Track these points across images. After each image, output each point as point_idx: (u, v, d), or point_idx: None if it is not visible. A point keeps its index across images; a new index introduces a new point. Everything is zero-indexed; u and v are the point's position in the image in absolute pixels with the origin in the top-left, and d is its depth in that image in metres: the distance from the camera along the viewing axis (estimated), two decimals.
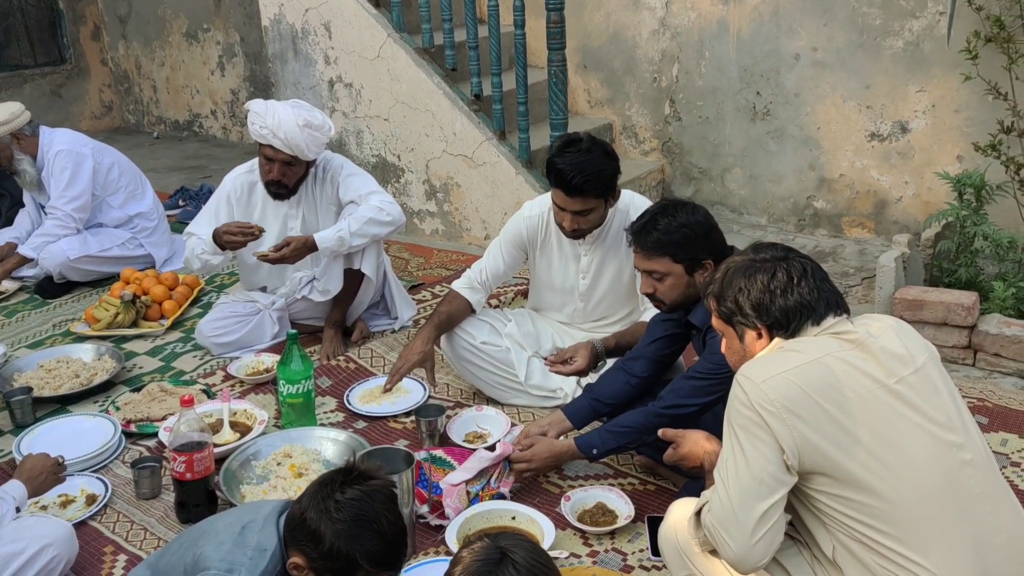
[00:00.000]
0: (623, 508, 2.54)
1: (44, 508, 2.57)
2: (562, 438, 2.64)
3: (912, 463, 1.66)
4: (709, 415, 2.34)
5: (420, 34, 4.63)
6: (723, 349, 1.91)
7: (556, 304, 3.20)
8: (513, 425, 2.95)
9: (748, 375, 1.71)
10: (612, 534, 2.48)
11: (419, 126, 4.62)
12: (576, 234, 2.90)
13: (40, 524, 2.31)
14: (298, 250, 3.27)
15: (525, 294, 3.49)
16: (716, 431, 2.02)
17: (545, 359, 3.11)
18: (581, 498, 2.59)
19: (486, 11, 4.44)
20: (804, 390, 1.66)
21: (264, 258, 3.27)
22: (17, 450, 2.78)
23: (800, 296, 1.79)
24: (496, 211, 4.47)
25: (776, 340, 1.79)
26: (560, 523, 2.49)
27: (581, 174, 2.73)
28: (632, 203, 2.97)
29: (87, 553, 2.42)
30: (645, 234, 2.41)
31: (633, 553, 2.41)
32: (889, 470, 1.65)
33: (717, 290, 1.86)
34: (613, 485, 2.66)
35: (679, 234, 2.38)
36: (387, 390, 3.06)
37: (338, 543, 1.63)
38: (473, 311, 3.11)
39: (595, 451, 2.50)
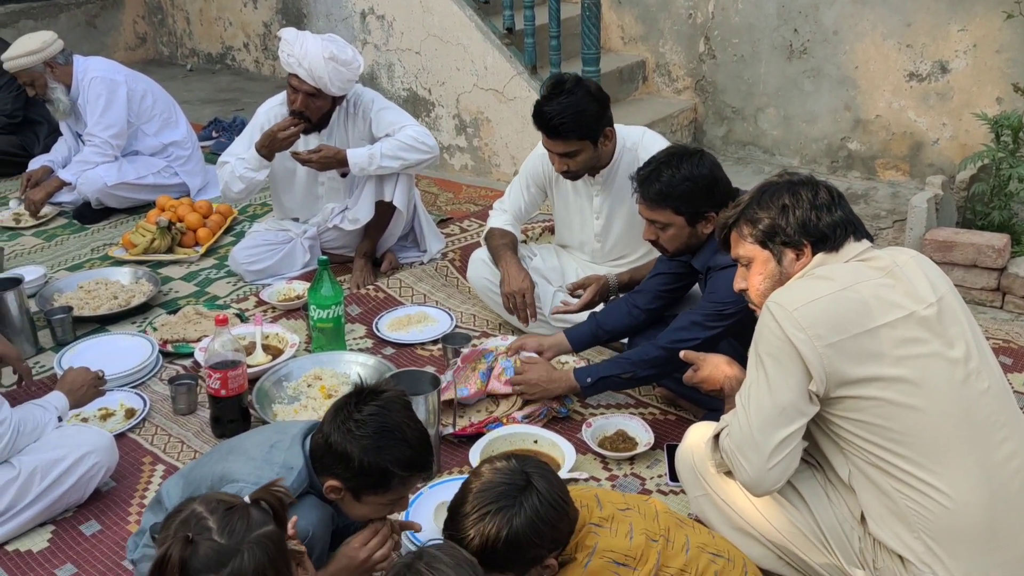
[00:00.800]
0: (643, 435, 2.60)
1: (85, 420, 2.68)
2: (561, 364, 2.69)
3: (932, 390, 1.69)
4: (725, 344, 2.37)
5: None
6: (743, 283, 1.91)
7: (575, 243, 3.24)
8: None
9: (779, 302, 1.73)
10: (631, 460, 2.55)
11: (450, 60, 4.60)
12: (569, 175, 2.92)
13: (82, 433, 2.42)
14: (328, 158, 3.30)
15: (552, 230, 3.51)
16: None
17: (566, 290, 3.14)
18: (602, 425, 2.65)
19: None
20: (835, 317, 1.69)
21: (297, 155, 3.30)
22: (58, 365, 2.89)
23: (844, 212, 1.81)
24: (526, 147, 4.46)
25: (817, 257, 1.79)
26: (581, 448, 2.56)
27: (559, 116, 2.74)
28: (642, 143, 2.96)
29: (126, 462, 2.52)
30: (648, 185, 2.42)
31: (651, 479, 2.48)
32: (910, 397, 1.68)
33: (752, 213, 1.86)
34: (634, 414, 2.72)
35: (682, 187, 2.38)
36: (533, 319, 3.01)
37: (367, 458, 1.70)
38: None
39: (588, 379, 2.54)
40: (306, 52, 3.18)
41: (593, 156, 2.89)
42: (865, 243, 1.84)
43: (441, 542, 1.54)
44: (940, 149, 4.30)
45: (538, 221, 3.93)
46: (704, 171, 2.39)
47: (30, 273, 3.44)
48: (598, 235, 3.15)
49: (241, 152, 3.36)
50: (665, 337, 2.44)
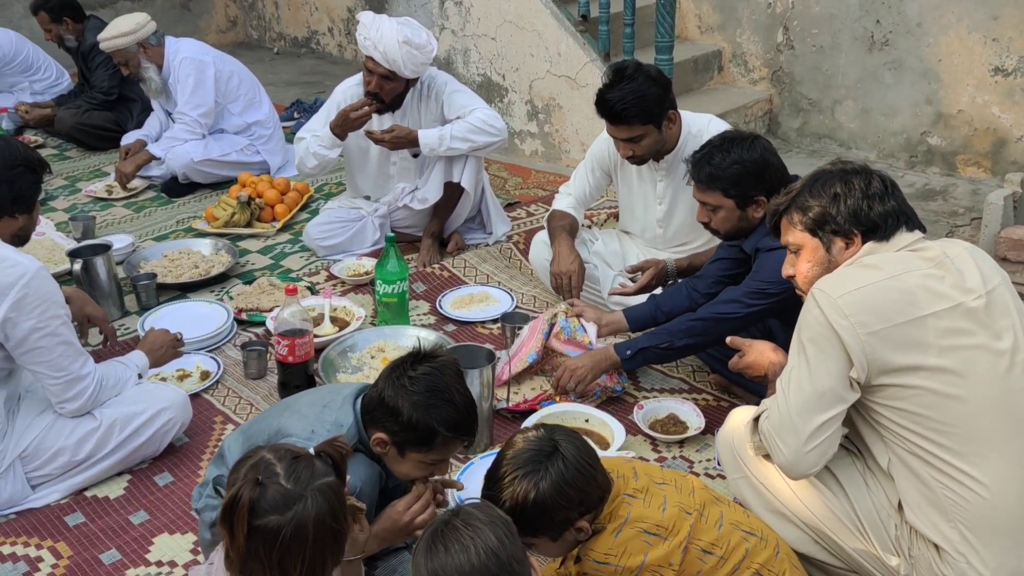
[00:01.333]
0: (694, 420, 2.63)
1: (164, 379, 2.84)
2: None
3: (975, 381, 1.68)
4: (779, 330, 2.39)
5: None
6: (791, 270, 1.93)
7: (637, 228, 3.27)
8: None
9: (824, 290, 1.75)
10: (681, 443, 2.58)
11: (525, 46, 4.66)
12: (634, 160, 2.95)
13: (160, 390, 2.58)
14: (400, 138, 3.40)
15: (617, 216, 3.54)
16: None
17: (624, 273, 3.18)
18: (654, 408, 2.68)
19: None
20: (880, 306, 1.69)
21: (371, 134, 3.42)
22: (141, 328, 3.07)
23: (896, 203, 1.82)
24: (596, 133, 4.41)
25: (867, 246, 1.80)
26: (632, 429, 2.60)
27: (621, 101, 2.77)
28: (707, 130, 2.96)
29: (199, 420, 2.67)
30: (699, 168, 2.46)
31: (699, 462, 2.51)
32: (953, 387, 1.68)
33: (803, 200, 1.87)
34: (687, 399, 2.75)
35: (731, 170, 2.41)
36: (573, 303, 2.97)
37: (415, 414, 1.79)
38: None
39: (628, 351, 2.59)
40: (382, 36, 3.28)
41: (658, 140, 2.91)
42: (917, 234, 1.84)
43: (477, 501, 1.62)
44: None
45: (604, 208, 3.97)
46: (755, 155, 2.41)
47: (119, 241, 3.65)
48: (660, 220, 3.18)
49: (317, 129, 3.49)
50: (705, 309, 2.49)
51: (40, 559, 2.18)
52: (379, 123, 3.54)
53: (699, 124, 3.02)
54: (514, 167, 4.73)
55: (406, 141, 3.43)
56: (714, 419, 2.63)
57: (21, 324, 2.19)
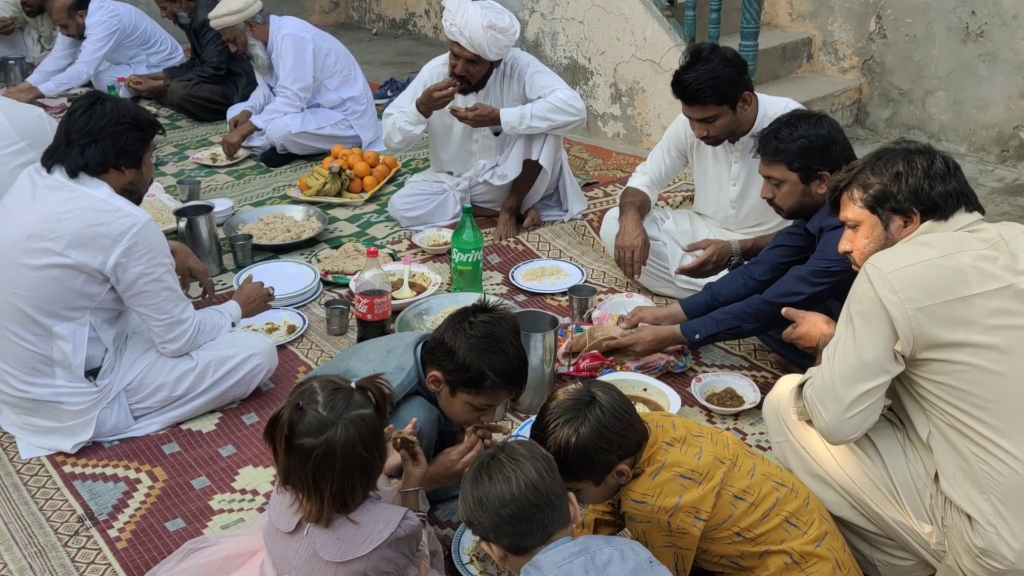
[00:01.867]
0: (750, 395, 2.70)
1: (255, 331, 3.08)
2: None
3: (1020, 359, 1.72)
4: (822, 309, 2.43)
5: None
6: (848, 245, 1.99)
7: (710, 210, 3.33)
8: None
9: (877, 264, 1.80)
10: (736, 416, 2.66)
11: (611, 29, 4.74)
12: (709, 141, 3.01)
13: (250, 337, 2.80)
14: (483, 116, 3.55)
15: (693, 199, 3.61)
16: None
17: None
18: (712, 381, 2.76)
19: None
20: (930, 282, 1.74)
21: (455, 111, 3.58)
22: (236, 283, 3.31)
23: (958, 184, 1.86)
24: None
25: (925, 225, 1.84)
26: (688, 400, 2.69)
27: (695, 83, 2.83)
28: (785, 112, 3.00)
29: (284, 369, 2.89)
30: (766, 142, 2.53)
31: (753, 435, 2.58)
32: (998, 364, 1.72)
33: (865, 178, 1.91)
34: (746, 375, 2.81)
35: (797, 144, 2.47)
36: (637, 276, 3.18)
37: (469, 356, 1.94)
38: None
39: (697, 335, 2.67)
40: (467, 21, 3.42)
41: (732, 121, 2.97)
42: (976, 215, 1.87)
43: (522, 438, 1.75)
44: None
45: (680, 191, 4.03)
46: (821, 131, 2.47)
47: (220, 204, 3.92)
48: (733, 201, 3.23)
49: (404, 106, 3.67)
50: (771, 291, 2.54)
51: (139, 480, 2.42)
52: (463, 102, 3.69)
53: (777, 107, 3.06)
54: (595, 149, 4.82)
55: (488, 119, 3.57)
56: None
57: (131, 269, 2.42)
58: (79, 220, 2.37)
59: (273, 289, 3.00)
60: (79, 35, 5.41)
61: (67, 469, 2.45)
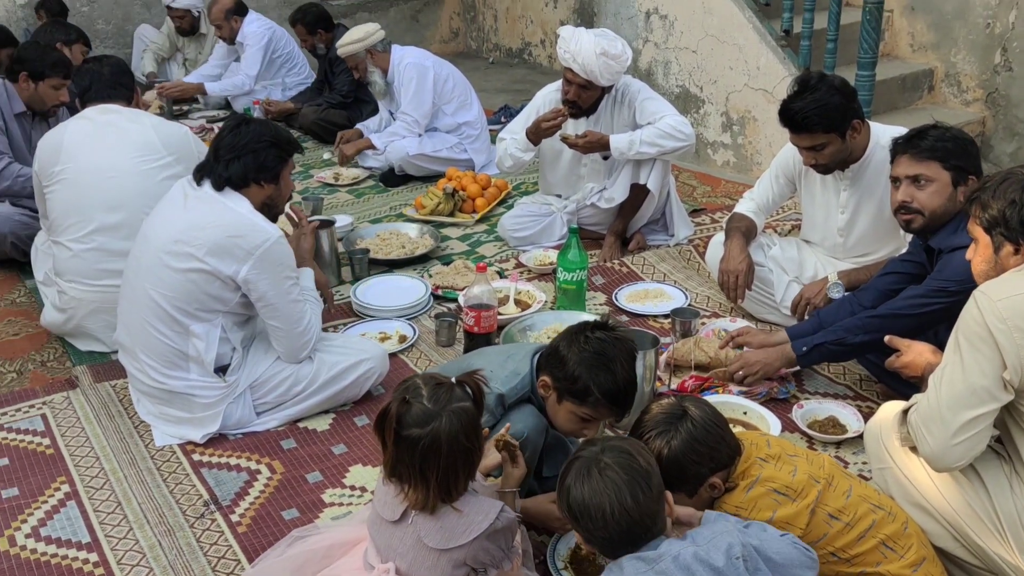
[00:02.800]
0: (854, 424, 2.66)
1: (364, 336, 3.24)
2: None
3: None
4: (931, 337, 2.39)
5: None
6: (971, 255, 1.97)
7: (818, 237, 3.31)
8: None
9: (986, 292, 1.80)
10: (838, 444, 2.63)
11: (724, 59, 4.77)
12: (818, 168, 2.99)
13: (364, 342, 2.96)
14: (593, 143, 3.64)
15: (800, 227, 3.59)
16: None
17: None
18: (814, 408, 2.74)
19: None
20: None
21: (565, 139, 3.69)
22: (353, 295, 3.49)
23: None
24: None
25: None
26: (789, 426, 2.68)
27: (802, 111, 2.82)
28: None
29: (394, 376, 3.01)
30: (918, 139, 2.49)
31: (855, 464, 2.55)
32: None
33: (986, 197, 1.91)
34: (850, 404, 2.78)
35: (952, 143, 2.44)
36: (740, 301, 3.20)
37: (578, 369, 2.01)
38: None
39: (804, 348, 2.64)
40: (580, 48, 3.53)
41: (842, 149, 2.96)
42: None
43: (626, 440, 1.78)
44: None
45: (789, 219, 4.01)
46: (970, 137, 2.48)
47: (341, 220, 4.14)
48: (841, 230, 3.21)
49: (517, 131, 3.80)
50: (884, 306, 2.52)
51: (259, 472, 2.60)
52: (574, 127, 3.80)
53: (889, 135, 3.03)
54: (704, 176, 4.84)
55: (598, 145, 3.66)
56: None
57: (261, 280, 2.62)
58: (219, 231, 2.58)
59: (305, 217, 3.14)
60: (231, 39, 5.92)
61: (195, 457, 2.65)
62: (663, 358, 2.87)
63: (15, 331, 3.42)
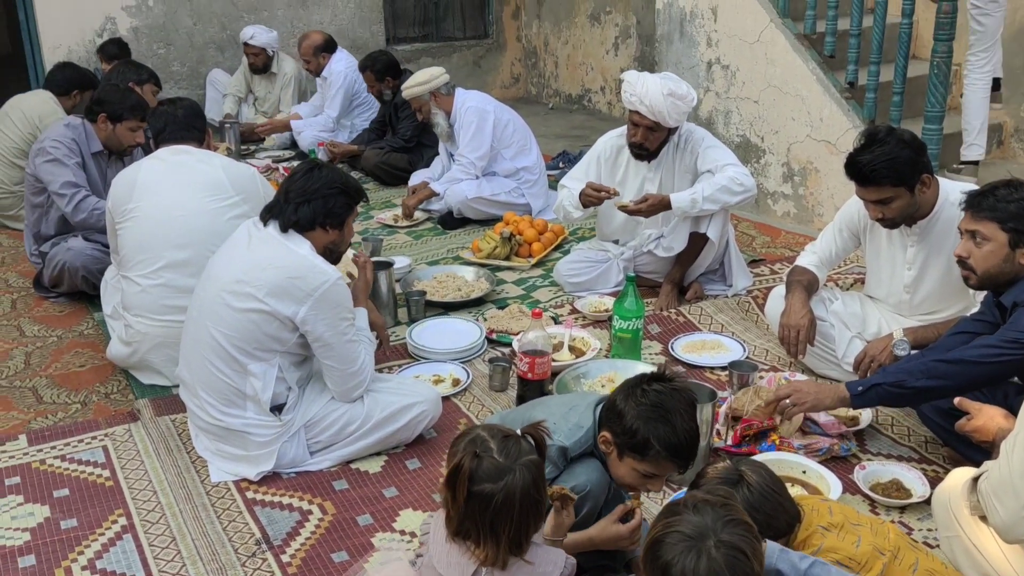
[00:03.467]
0: (919, 488, 2.57)
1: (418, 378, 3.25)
2: None
3: None
4: (1001, 398, 2.30)
5: (803, 21, 4.74)
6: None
7: (883, 293, 3.24)
8: None
9: None
10: (902, 509, 2.54)
11: (786, 110, 4.74)
12: (884, 223, 2.94)
13: (417, 385, 2.98)
14: (654, 206, 3.64)
15: (864, 282, 3.52)
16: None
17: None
18: (877, 470, 2.66)
19: (874, 0, 4.42)
20: None
21: (624, 208, 3.69)
22: (409, 337, 3.52)
23: None
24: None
25: None
26: (850, 488, 2.60)
27: (871, 164, 2.78)
28: None
29: (446, 420, 3.02)
30: (981, 197, 2.45)
31: (920, 530, 2.45)
32: None
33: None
34: (915, 467, 2.69)
35: (1016, 205, 2.38)
36: (801, 357, 3.13)
37: (636, 423, 1.98)
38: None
39: (860, 387, 2.54)
40: (647, 90, 3.55)
41: (910, 203, 2.90)
42: None
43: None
44: None
45: (851, 272, 3.94)
46: None
47: (399, 262, 4.19)
48: (907, 286, 3.13)
49: (575, 184, 3.82)
50: (952, 353, 2.43)
51: (311, 512, 2.60)
52: (635, 171, 3.81)
53: (958, 190, 2.97)
54: (764, 226, 4.79)
55: (660, 207, 3.66)
56: None
57: (319, 321, 2.65)
58: (280, 272, 2.63)
59: (364, 255, 3.21)
60: (317, 73, 6.19)
61: (249, 495, 2.67)
62: (721, 411, 2.82)
63: (81, 362, 3.51)
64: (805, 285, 3.17)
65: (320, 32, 6.36)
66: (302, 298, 2.62)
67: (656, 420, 1.97)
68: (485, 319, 3.72)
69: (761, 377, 3.15)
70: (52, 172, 3.86)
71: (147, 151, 3.78)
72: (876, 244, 3.20)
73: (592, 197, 3.73)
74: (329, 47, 6.15)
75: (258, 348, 2.67)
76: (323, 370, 2.77)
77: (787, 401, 2.69)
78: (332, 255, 2.79)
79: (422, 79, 4.89)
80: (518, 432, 1.81)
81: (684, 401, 2.02)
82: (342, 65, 6.10)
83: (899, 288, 3.17)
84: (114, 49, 6.18)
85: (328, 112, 6.16)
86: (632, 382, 2.06)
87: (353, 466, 2.81)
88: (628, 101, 3.63)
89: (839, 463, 2.73)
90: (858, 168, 2.85)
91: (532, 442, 1.80)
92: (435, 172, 5.20)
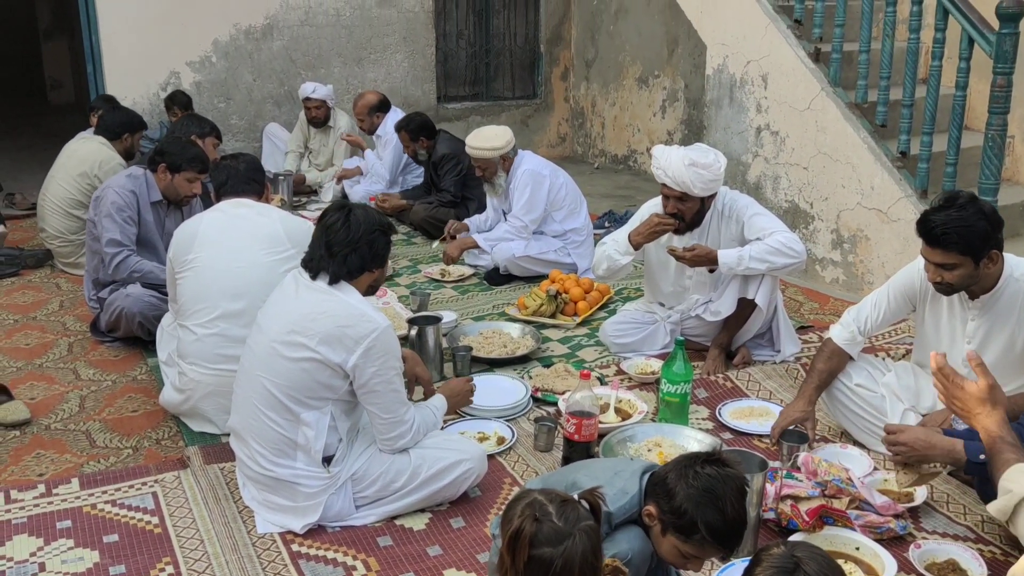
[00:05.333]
0: (976, 570, 2.50)
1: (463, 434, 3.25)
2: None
3: None
4: None
5: (854, 90, 4.77)
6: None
7: None
8: (875, 469, 3.01)
9: None
10: None
11: (836, 177, 4.74)
12: (940, 288, 2.89)
13: (464, 441, 2.98)
14: (700, 256, 3.65)
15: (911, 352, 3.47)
16: None
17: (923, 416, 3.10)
18: (933, 549, 2.59)
19: (927, 71, 4.43)
20: None
21: (672, 251, 3.70)
22: None
23: None
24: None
25: None
26: (905, 567, 2.53)
27: (943, 225, 2.75)
28: None
29: (491, 479, 3.01)
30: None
31: None
32: None
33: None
34: (972, 547, 2.62)
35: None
36: (774, 444, 3.16)
37: (685, 504, 1.96)
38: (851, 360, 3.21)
39: (981, 456, 2.44)
40: (670, 163, 3.59)
41: (971, 275, 2.86)
42: None
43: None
44: None
45: (903, 342, 3.89)
46: None
47: (446, 316, 4.22)
48: (966, 361, 3.07)
49: (620, 239, 3.84)
50: None
51: (355, 568, 2.60)
52: (679, 242, 3.82)
53: (1023, 266, 2.93)
54: (812, 292, 4.76)
55: (706, 260, 3.66)
56: (999, 573, 2.49)
57: (367, 368, 2.68)
58: (331, 321, 2.68)
59: (475, 385, 3.20)
60: (371, 131, 6.40)
61: (294, 548, 2.68)
62: (771, 487, 2.77)
63: (134, 407, 3.58)
64: (824, 376, 3.16)
65: (375, 92, 6.54)
66: (352, 346, 2.66)
67: (706, 505, 1.94)
68: (530, 377, 3.73)
69: (810, 447, 3.11)
70: (104, 226, 4.02)
71: (206, 202, 3.88)
72: (936, 314, 3.14)
73: (651, 232, 3.69)
74: (383, 107, 6.31)
75: (311, 396, 2.70)
76: (368, 417, 2.80)
77: (898, 448, 2.63)
78: (373, 291, 2.89)
79: (496, 144, 4.89)
80: (575, 497, 1.80)
81: (735, 488, 1.99)
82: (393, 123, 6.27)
83: (958, 362, 3.10)
84: (184, 99, 6.42)
85: (380, 173, 6.30)
86: (685, 461, 2.04)
87: (397, 522, 2.80)
88: (656, 175, 3.67)
89: (893, 542, 2.66)
90: (929, 227, 2.81)
91: (589, 507, 1.79)
92: (475, 220, 5.29)
